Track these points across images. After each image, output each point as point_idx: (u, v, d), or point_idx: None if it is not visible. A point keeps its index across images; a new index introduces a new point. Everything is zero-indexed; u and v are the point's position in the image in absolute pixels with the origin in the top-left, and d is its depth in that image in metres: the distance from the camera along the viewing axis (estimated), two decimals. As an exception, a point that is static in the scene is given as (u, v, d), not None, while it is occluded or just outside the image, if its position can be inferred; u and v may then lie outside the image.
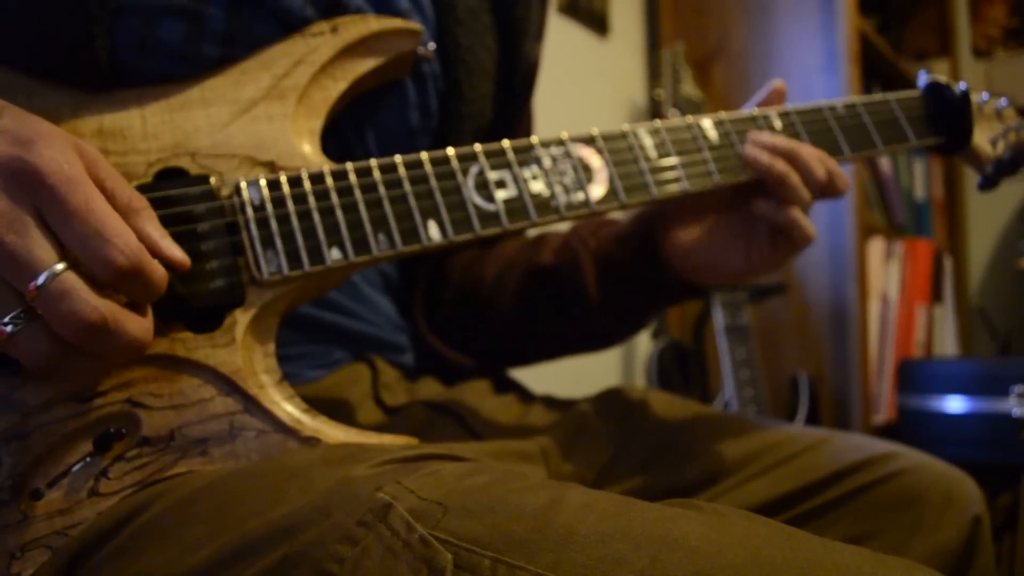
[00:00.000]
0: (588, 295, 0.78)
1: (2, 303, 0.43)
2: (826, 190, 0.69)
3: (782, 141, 0.69)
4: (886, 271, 2.15)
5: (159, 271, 0.46)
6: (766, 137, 0.69)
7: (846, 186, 0.70)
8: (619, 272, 0.77)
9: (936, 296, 2.39)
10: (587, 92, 1.98)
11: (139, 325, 0.45)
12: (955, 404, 1.89)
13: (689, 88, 1.86)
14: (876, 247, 2.11)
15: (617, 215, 0.74)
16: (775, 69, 2.06)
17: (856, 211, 1.93)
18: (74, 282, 0.43)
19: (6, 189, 0.43)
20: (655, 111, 2.12)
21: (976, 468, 0.81)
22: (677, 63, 1.87)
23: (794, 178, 0.67)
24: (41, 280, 0.42)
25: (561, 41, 1.83)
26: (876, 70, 2.24)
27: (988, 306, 2.71)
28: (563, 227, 0.74)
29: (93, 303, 0.43)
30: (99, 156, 0.47)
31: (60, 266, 0.42)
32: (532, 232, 0.87)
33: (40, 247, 0.42)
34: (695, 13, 2.19)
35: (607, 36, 2.06)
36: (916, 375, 2.00)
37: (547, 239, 0.83)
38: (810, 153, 0.69)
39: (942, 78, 0.80)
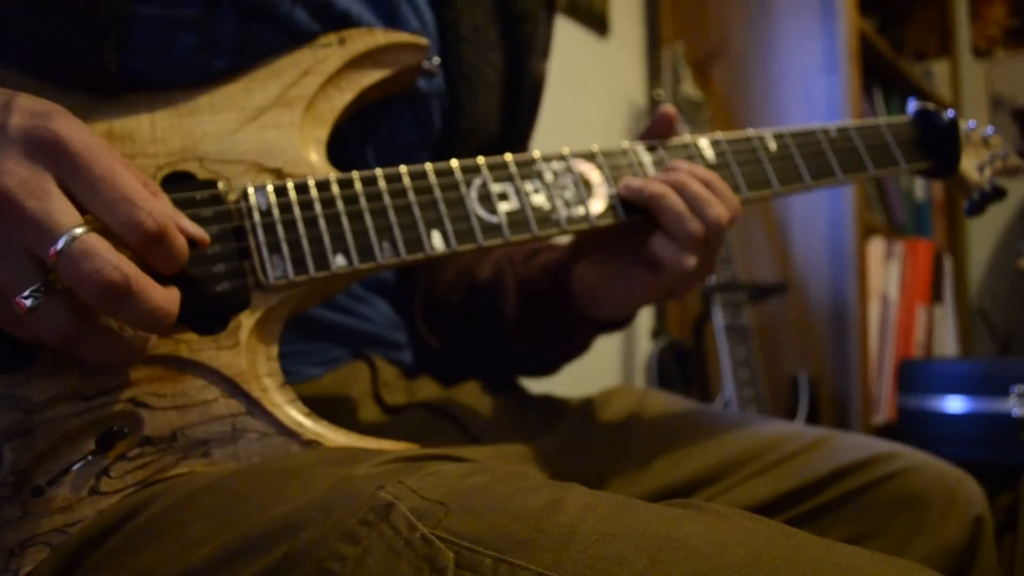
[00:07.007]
0: (508, 319, 0.78)
1: (22, 276, 0.42)
2: (707, 205, 0.63)
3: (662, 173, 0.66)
4: (886, 271, 2.15)
5: (181, 240, 0.47)
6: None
7: (729, 210, 0.65)
8: (536, 301, 0.76)
9: (936, 296, 2.40)
10: (587, 92, 1.98)
11: (163, 293, 0.45)
12: (955, 404, 1.89)
13: (689, 88, 1.86)
14: (876, 247, 2.11)
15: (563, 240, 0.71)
16: (775, 69, 2.06)
17: (856, 211, 1.93)
18: (97, 242, 0.42)
19: (28, 156, 0.42)
20: (655, 111, 2.11)
21: (976, 468, 0.81)
22: (677, 63, 1.87)
23: (672, 197, 0.63)
24: (61, 243, 0.41)
25: (561, 41, 1.81)
26: (876, 70, 2.24)
27: (988, 306, 2.72)
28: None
29: (116, 262, 0.42)
30: (109, 144, 0.46)
31: (81, 228, 0.42)
32: None
33: (61, 211, 0.42)
34: (695, 13, 2.19)
35: (607, 36, 2.06)
36: (916, 375, 2.00)
37: (492, 252, 0.81)
38: (690, 169, 0.65)
39: (931, 105, 0.82)
